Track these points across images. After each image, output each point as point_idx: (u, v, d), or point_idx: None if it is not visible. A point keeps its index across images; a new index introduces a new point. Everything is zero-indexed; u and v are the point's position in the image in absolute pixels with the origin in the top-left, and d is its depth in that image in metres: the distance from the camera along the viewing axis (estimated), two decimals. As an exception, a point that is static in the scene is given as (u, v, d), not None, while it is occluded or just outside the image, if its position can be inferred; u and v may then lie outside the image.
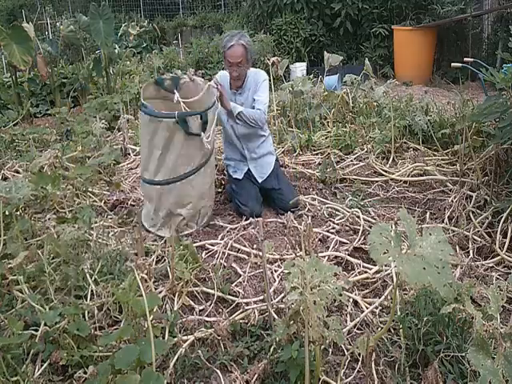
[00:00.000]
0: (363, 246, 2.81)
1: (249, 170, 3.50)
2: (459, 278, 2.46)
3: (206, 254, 2.85)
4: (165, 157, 2.88)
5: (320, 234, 3.00)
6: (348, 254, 2.74)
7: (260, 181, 3.50)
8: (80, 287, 2.37)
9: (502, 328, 1.65)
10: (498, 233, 2.82)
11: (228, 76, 3.36)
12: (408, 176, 3.84)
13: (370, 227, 2.84)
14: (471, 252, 2.75)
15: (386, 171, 3.93)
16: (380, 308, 2.31)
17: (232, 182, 3.52)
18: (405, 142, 4.31)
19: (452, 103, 4.52)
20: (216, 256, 2.79)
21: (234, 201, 3.46)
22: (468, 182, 3.46)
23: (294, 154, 4.32)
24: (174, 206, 2.99)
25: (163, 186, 2.95)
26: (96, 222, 3.07)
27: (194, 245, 2.75)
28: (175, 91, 2.98)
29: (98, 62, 6.51)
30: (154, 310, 2.07)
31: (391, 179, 3.85)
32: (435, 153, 4.15)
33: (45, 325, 2.06)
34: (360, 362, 1.99)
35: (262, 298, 2.38)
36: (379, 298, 2.36)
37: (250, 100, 3.36)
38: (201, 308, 2.38)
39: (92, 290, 2.33)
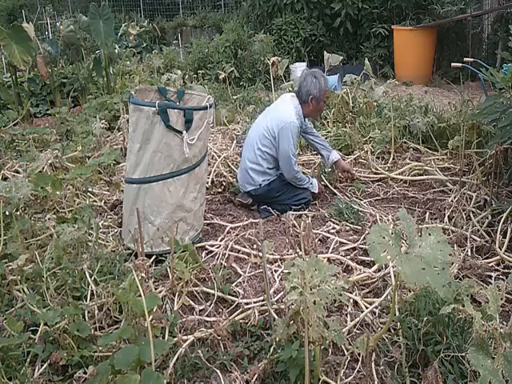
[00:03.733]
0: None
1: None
2: (456, 276, 2.47)
3: (207, 254, 2.86)
4: (143, 151, 2.74)
5: (320, 234, 3.01)
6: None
7: None
8: (77, 289, 2.36)
9: (501, 328, 1.65)
10: (498, 233, 2.82)
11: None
12: (408, 176, 3.84)
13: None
14: (469, 251, 2.75)
15: (386, 171, 3.93)
16: (380, 308, 2.31)
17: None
18: (405, 142, 4.31)
19: (452, 103, 4.52)
20: (216, 256, 2.79)
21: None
22: (468, 182, 3.46)
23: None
24: (148, 210, 2.78)
25: (139, 186, 2.78)
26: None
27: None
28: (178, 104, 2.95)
29: (98, 62, 6.51)
30: (154, 310, 2.07)
31: (391, 179, 3.86)
32: (435, 153, 4.15)
33: (45, 325, 2.06)
34: (360, 362, 1.99)
35: (261, 298, 2.39)
36: (379, 298, 2.36)
37: None
38: (201, 308, 2.38)
39: (92, 290, 2.34)
